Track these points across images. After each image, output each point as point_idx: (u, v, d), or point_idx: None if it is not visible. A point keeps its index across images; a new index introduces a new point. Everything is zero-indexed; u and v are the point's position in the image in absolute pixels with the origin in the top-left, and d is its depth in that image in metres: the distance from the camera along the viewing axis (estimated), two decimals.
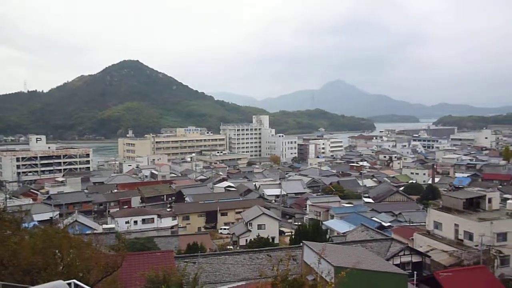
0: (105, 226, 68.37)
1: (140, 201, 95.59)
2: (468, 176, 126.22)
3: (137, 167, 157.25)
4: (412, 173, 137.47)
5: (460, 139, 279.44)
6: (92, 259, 17.10)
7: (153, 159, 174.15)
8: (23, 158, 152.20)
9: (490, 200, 51.58)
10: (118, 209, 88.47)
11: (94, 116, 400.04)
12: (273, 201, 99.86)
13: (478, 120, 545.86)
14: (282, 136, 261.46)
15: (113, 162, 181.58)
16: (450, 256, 44.45)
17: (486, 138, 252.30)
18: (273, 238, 63.05)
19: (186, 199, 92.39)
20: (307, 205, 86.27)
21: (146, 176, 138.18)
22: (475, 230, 45.25)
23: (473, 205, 51.54)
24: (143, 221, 71.42)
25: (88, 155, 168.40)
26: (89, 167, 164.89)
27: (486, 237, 43.89)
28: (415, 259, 41.00)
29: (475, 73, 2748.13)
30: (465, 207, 50.49)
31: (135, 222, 70.19)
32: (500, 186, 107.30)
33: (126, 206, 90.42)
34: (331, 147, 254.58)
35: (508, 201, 54.00)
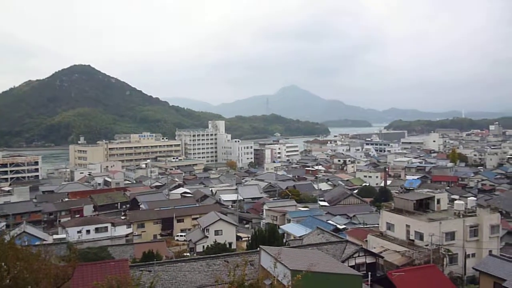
0: (55, 236, 65.78)
1: (93, 209, 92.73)
2: (418, 178, 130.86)
3: (89, 174, 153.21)
4: (365, 176, 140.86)
5: (410, 143, 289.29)
6: (41, 271, 16.46)
7: (106, 166, 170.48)
8: None
9: (438, 201, 53.71)
10: (69, 218, 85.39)
11: (43, 122, 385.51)
12: (230, 206, 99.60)
13: (426, 124, 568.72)
14: (238, 141, 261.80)
15: (64, 169, 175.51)
16: (402, 256, 45.82)
17: (434, 141, 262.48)
18: (230, 244, 62.79)
19: (141, 206, 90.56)
20: (264, 210, 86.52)
21: (99, 184, 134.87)
22: (425, 230, 46.91)
23: (423, 206, 53.50)
24: (96, 230, 69.45)
25: (36, 163, 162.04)
26: (38, 176, 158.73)
27: (436, 237, 45.60)
28: (369, 260, 41.96)
29: (422, 79, 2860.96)
30: (415, 208, 52.32)
31: (88, 231, 68.20)
32: (448, 187, 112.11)
33: (78, 215, 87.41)
34: (287, 151, 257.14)
35: (456, 202, 56.44)
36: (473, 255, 48.57)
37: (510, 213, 72.79)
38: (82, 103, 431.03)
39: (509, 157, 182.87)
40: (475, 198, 68.29)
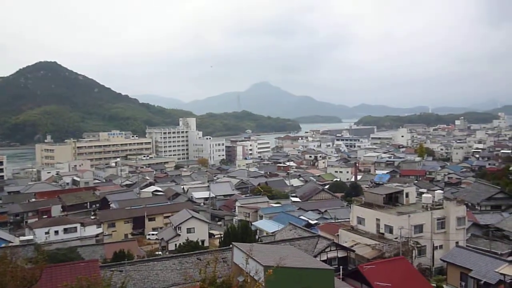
0: (22, 238, 63.91)
1: (61, 209, 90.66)
2: (387, 173, 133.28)
3: (57, 174, 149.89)
4: (336, 171, 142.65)
5: (379, 138, 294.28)
6: (7, 274, 15.96)
7: (75, 165, 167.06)
8: None
9: (407, 195, 54.91)
10: (37, 219, 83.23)
11: (7, 121, 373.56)
12: (202, 204, 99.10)
13: (394, 119, 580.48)
14: (210, 138, 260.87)
15: (30, 169, 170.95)
16: (373, 250, 46.62)
17: (402, 136, 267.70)
18: (203, 241, 62.56)
19: (111, 205, 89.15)
20: (236, 207, 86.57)
21: (68, 183, 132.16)
22: (394, 223, 47.85)
23: (392, 200, 54.57)
24: (65, 230, 67.93)
25: (1, 163, 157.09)
26: (2, 176, 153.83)
27: (405, 230, 46.57)
28: (341, 254, 42.56)
29: (391, 76, 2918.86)
30: (385, 202, 53.32)
31: (56, 232, 66.64)
32: (416, 181, 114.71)
33: (46, 216, 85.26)
34: (259, 148, 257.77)
35: (423, 195, 57.77)
36: (441, 246, 49.87)
37: (476, 205, 74.99)
38: (48, 101, 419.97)
39: (474, 151, 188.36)
40: (442, 191, 70.04)
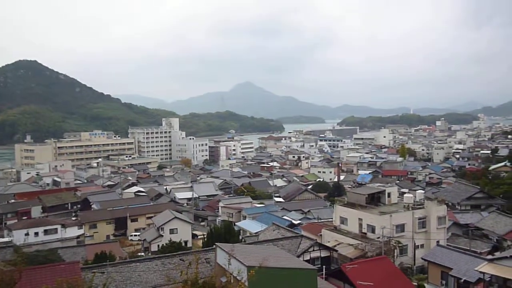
0: (0, 239, 62.84)
1: (42, 211, 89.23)
2: (369, 173, 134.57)
3: (37, 174, 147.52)
4: (319, 171, 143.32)
5: (362, 139, 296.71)
6: None
7: (55, 166, 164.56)
8: None
9: (389, 195, 55.46)
10: (16, 220, 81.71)
11: None
12: (185, 204, 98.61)
13: (377, 120, 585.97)
14: (193, 138, 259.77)
15: (9, 170, 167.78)
16: (355, 249, 46.97)
17: (384, 137, 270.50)
18: (186, 242, 62.24)
19: (93, 206, 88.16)
20: (220, 207, 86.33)
21: (48, 184, 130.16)
22: (376, 223, 48.29)
23: (374, 200, 55.04)
24: (45, 232, 66.78)
25: None
26: None
27: (387, 229, 47.03)
28: (324, 254, 42.74)
29: (374, 77, 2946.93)
30: (367, 202, 53.74)
31: (36, 233, 65.48)
32: (398, 181, 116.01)
33: (26, 217, 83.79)
34: (242, 148, 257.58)
35: (405, 195, 58.44)
36: (422, 246, 50.51)
37: (456, 204, 76.13)
38: (28, 100, 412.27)
39: (454, 151, 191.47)
40: (423, 191, 70.90)
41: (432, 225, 50.85)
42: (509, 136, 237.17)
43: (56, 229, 68.08)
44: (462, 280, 36.18)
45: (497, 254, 37.84)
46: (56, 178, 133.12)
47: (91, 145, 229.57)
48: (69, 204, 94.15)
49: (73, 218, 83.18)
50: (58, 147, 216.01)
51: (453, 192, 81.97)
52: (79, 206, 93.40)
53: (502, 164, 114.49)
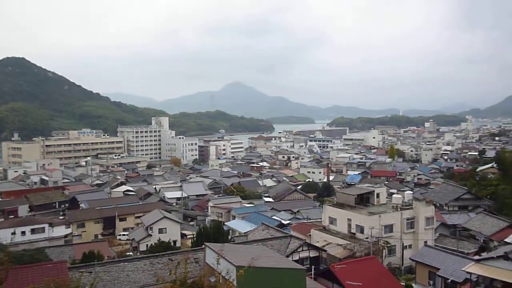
0: None
1: (29, 209, 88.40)
2: (359, 174, 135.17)
3: (24, 173, 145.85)
4: (309, 172, 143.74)
5: (352, 139, 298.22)
6: None
7: (43, 164, 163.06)
8: None
9: (378, 195, 55.79)
10: (3, 219, 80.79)
11: None
12: (174, 204, 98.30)
13: (366, 121, 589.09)
14: (183, 138, 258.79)
15: None
16: (344, 249, 47.15)
17: (374, 138, 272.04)
18: (175, 242, 62.05)
19: (81, 205, 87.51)
20: (209, 207, 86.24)
21: (35, 183, 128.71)
22: (365, 223, 48.55)
23: (363, 201, 55.33)
24: (32, 231, 66.14)
25: None
26: None
27: (375, 230, 47.29)
28: (313, 254, 42.82)
29: (363, 78, 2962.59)
30: (356, 202, 54.02)
31: (23, 232, 64.84)
32: (387, 182, 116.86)
33: (12, 216, 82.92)
34: (232, 148, 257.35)
35: (394, 196, 58.80)
36: (410, 246, 50.87)
37: (444, 205, 76.78)
38: (16, 98, 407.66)
39: (442, 153, 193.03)
40: (412, 192, 71.49)
41: (420, 226, 51.23)
42: (496, 138, 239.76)
43: (44, 228, 67.47)
44: (449, 280, 36.48)
45: (484, 255, 38.18)
46: (43, 177, 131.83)
47: (79, 144, 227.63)
48: (57, 203, 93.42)
49: (61, 217, 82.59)
50: (46, 145, 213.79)
51: (441, 193, 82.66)
52: (67, 205, 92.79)
53: (489, 165, 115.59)
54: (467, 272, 31.86)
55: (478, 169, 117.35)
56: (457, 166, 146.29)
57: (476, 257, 37.22)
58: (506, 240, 50.02)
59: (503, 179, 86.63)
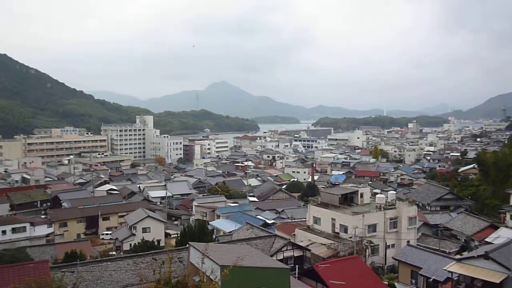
0: None
1: (9, 208, 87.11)
2: (343, 174, 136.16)
3: (5, 171, 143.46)
4: (293, 171, 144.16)
5: (336, 139, 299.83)
6: None
7: (25, 163, 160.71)
8: None
9: (362, 195, 56.18)
10: None
11: None
12: (159, 203, 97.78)
13: (351, 121, 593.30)
14: (167, 137, 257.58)
15: None
16: (328, 249, 47.42)
17: (358, 138, 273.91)
18: (158, 241, 61.64)
19: (63, 204, 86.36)
20: (193, 206, 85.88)
21: (16, 181, 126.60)
22: (349, 223, 48.86)
23: (347, 200, 55.67)
24: (13, 230, 65.05)
25: None
26: None
27: (359, 229, 47.64)
28: (297, 253, 43.03)
29: (348, 78, 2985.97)
30: (340, 202, 54.31)
31: (4, 232, 63.76)
32: (371, 182, 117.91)
33: None
34: (217, 147, 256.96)
35: (377, 195, 59.29)
36: (393, 245, 51.37)
37: (426, 205, 77.75)
38: None
39: (425, 153, 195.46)
40: (395, 192, 72.28)
41: (403, 225, 51.77)
42: (478, 139, 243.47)
43: (25, 227, 66.39)
44: (431, 279, 36.94)
45: (465, 254, 38.78)
46: (25, 175, 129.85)
47: (62, 142, 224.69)
48: (39, 202, 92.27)
49: (43, 216, 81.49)
50: (28, 144, 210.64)
51: (424, 193, 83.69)
52: (49, 204, 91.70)
53: (471, 166, 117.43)
54: (449, 271, 32.26)
55: (460, 170, 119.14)
56: (439, 166, 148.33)
57: (457, 256, 37.74)
58: (486, 239, 50.87)
59: (484, 180, 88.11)
